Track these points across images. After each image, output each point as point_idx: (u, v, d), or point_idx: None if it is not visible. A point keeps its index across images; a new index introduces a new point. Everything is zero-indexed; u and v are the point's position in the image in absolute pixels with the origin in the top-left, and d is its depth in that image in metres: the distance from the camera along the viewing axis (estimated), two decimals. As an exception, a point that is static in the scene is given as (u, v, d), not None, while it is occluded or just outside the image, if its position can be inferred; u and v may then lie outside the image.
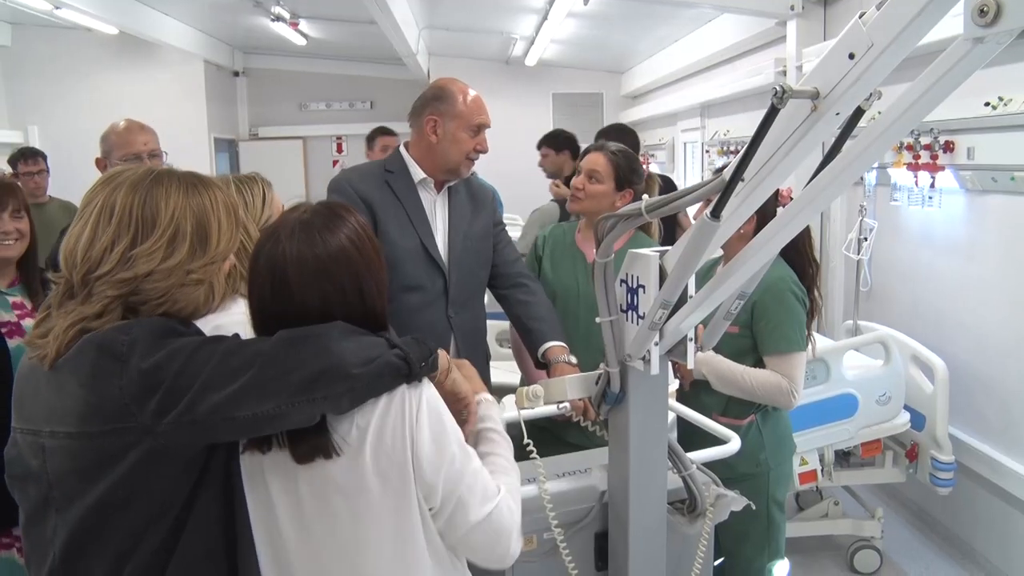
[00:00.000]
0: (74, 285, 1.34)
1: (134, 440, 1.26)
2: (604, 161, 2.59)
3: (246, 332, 1.41)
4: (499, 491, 1.40)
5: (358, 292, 1.37)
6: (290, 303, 1.34)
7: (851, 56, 1.20)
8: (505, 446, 1.53)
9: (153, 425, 1.24)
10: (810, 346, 2.51)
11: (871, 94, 1.28)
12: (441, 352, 1.47)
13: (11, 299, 2.21)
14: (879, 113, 1.26)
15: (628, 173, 2.60)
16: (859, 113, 1.33)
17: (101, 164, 2.83)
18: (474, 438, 1.52)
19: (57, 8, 6.42)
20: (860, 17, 1.18)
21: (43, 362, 1.30)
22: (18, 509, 1.41)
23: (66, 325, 1.30)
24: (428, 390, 1.37)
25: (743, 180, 1.40)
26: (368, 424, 1.31)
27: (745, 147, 1.34)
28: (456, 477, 1.35)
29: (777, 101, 1.25)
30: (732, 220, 1.47)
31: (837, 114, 1.28)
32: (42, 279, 2.27)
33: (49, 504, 1.33)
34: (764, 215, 1.88)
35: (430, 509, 1.36)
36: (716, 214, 1.41)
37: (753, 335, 2.41)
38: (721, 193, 1.39)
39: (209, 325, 1.51)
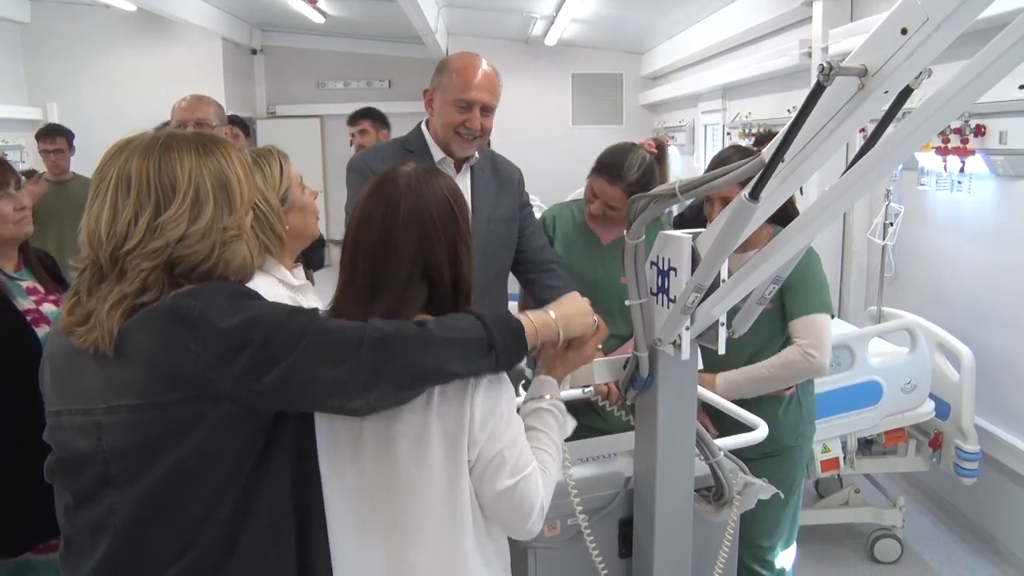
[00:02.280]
0: (103, 266, 1.31)
1: (208, 408, 1.25)
2: (620, 195, 2.46)
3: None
4: (529, 466, 1.42)
5: (453, 248, 1.46)
6: (392, 248, 1.42)
7: (903, 31, 1.15)
8: (556, 427, 1.56)
9: (235, 390, 1.24)
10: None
11: (921, 72, 1.22)
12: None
13: (23, 284, 2.12)
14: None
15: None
16: (907, 92, 1.28)
17: None
18: (528, 413, 1.55)
19: (75, -17, 6.40)
20: (915, -10, 1.12)
21: (96, 348, 1.26)
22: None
23: (109, 307, 1.27)
24: None
25: (783, 160, 1.35)
26: None
27: (787, 126, 1.29)
28: (497, 436, 1.40)
29: (824, 78, 1.20)
30: (769, 202, 1.42)
31: (886, 92, 1.23)
32: (43, 261, 2.21)
33: (107, 483, 1.30)
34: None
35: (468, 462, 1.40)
36: (755, 195, 1.36)
37: (783, 306, 2.41)
38: (761, 174, 1.34)
39: None
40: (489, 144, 4.68)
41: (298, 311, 1.32)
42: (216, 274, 1.34)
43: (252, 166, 1.71)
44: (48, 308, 2.10)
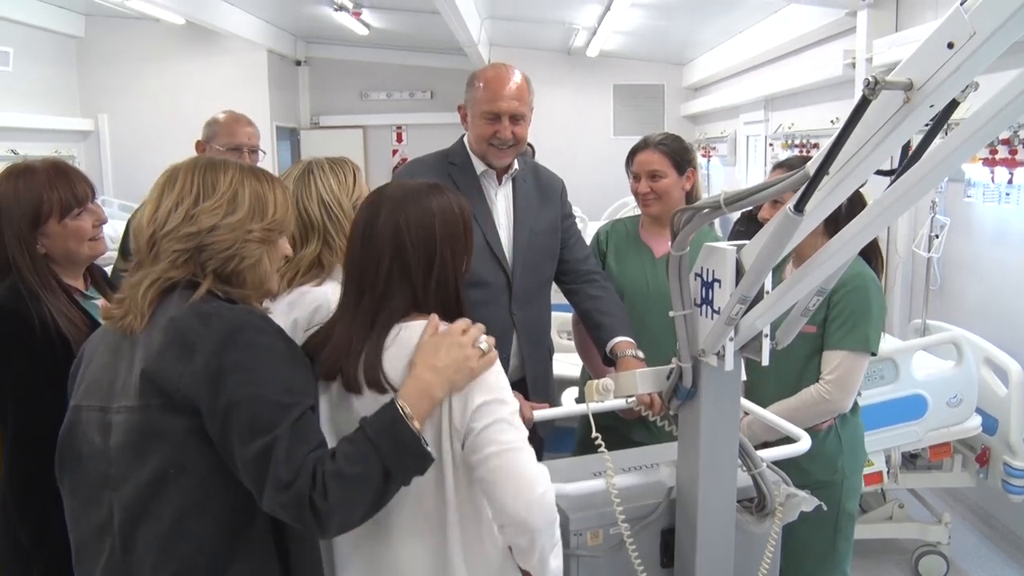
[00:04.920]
0: (142, 256, 1.41)
1: (181, 419, 1.32)
2: (658, 156, 2.54)
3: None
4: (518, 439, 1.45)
5: (430, 255, 1.50)
6: (369, 251, 1.49)
7: (950, 46, 1.16)
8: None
9: (203, 415, 1.31)
10: None
11: (968, 85, 1.23)
12: None
13: (97, 302, 2.01)
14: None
15: (682, 154, 2.56)
16: (953, 105, 1.28)
17: (201, 147, 2.88)
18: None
19: (127, -1, 6.58)
20: (962, 4, 1.13)
21: (131, 330, 1.37)
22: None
23: (143, 288, 1.37)
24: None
25: (828, 174, 1.36)
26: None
27: (832, 139, 1.30)
28: (479, 418, 1.43)
29: (869, 92, 1.21)
30: (814, 215, 1.43)
31: (931, 106, 1.24)
32: (103, 277, 2.15)
33: (107, 483, 1.37)
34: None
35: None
36: (800, 208, 1.37)
37: (823, 332, 2.31)
38: (806, 187, 1.36)
39: (281, 303, 1.66)
40: (533, 155, 4.69)
41: (292, 394, 1.34)
42: (232, 269, 1.42)
43: (328, 173, 1.85)
44: None
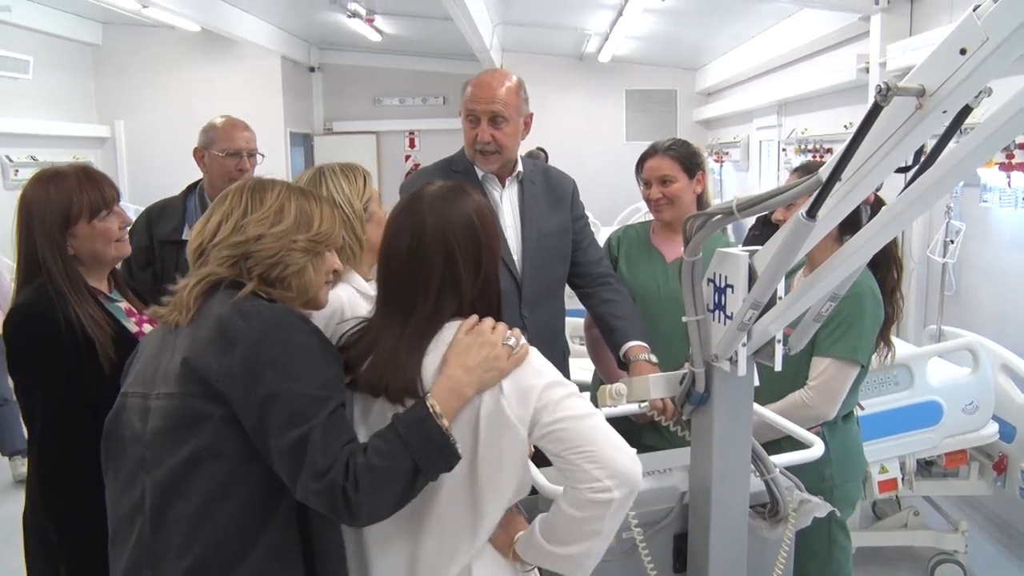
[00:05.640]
0: (192, 264, 1.50)
1: (216, 407, 1.37)
2: (667, 161, 2.55)
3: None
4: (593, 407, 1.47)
5: (477, 263, 1.51)
6: (419, 267, 1.48)
7: (962, 52, 1.16)
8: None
9: (236, 407, 1.36)
10: (889, 353, 2.43)
11: (980, 91, 1.23)
12: None
13: (121, 305, 2.06)
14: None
15: (691, 158, 2.57)
16: (966, 111, 1.28)
17: (199, 154, 2.89)
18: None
19: (144, 7, 6.63)
20: (974, 10, 1.13)
21: (176, 324, 1.44)
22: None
23: (191, 286, 1.45)
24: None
25: (840, 179, 1.36)
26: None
27: (845, 145, 1.31)
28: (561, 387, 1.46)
29: (881, 99, 1.22)
30: (827, 221, 1.43)
31: (944, 112, 1.24)
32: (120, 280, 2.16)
33: (142, 465, 1.42)
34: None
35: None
36: (812, 214, 1.38)
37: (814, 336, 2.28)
38: (818, 192, 1.36)
39: None
40: (546, 159, 4.70)
41: (326, 389, 1.38)
42: (276, 275, 1.47)
43: (339, 175, 1.89)
44: (149, 329, 2.02)
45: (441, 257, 1.48)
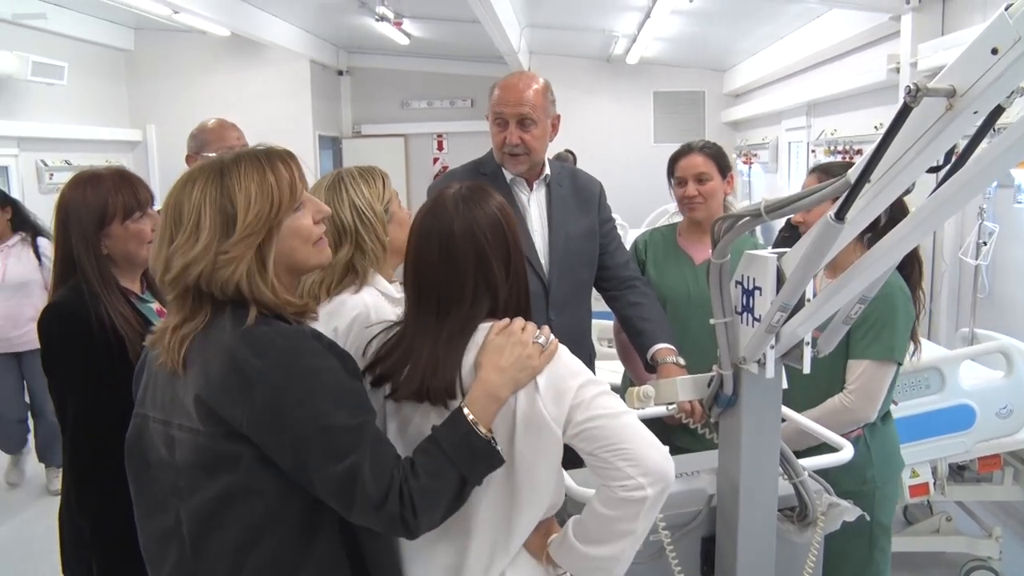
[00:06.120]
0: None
1: (245, 447, 1.32)
2: (702, 159, 2.57)
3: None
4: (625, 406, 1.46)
5: (507, 260, 1.51)
6: (452, 269, 1.48)
7: (994, 51, 1.15)
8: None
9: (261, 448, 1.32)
10: (916, 351, 2.40)
11: (1013, 91, 1.22)
12: None
13: (152, 306, 2.08)
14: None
15: (724, 158, 2.61)
16: (998, 111, 1.27)
17: (191, 161, 2.89)
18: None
19: (175, 12, 6.73)
20: (1006, 9, 1.12)
21: (172, 368, 1.37)
22: None
23: (168, 338, 1.38)
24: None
25: (869, 181, 1.35)
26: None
27: (874, 147, 1.30)
28: (594, 385, 1.45)
29: (911, 100, 1.20)
30: (855, 223, 1.43)
31: (975, 112, 1.23)
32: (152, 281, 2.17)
33: (174, 493, 1.40)
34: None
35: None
36: (841, 216, 1.37)
37: (847, 340, 2.23)
38: (847, 194, 1.35)
39: (320, 313, 1.63)
40: (574, 162, 4.70)
41: (357, 413, 1.34)
42: (236, 290, 1.35)
43: (359, 179, 1.88)
44: None
45: (472, 256, 1.48)
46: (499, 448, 1.39)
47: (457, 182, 1.60)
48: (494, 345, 1.44)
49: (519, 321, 1.49)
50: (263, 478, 1.33)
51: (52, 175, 7.59)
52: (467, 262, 1.48)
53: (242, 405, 1.29)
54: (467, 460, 1.36)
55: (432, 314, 1.49)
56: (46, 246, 4.54)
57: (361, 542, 1.46)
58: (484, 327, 1.49)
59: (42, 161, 7.57)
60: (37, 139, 7.47)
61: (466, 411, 1.38)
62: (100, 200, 1.96)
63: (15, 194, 7.32)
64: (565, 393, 1.42)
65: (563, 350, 1.50)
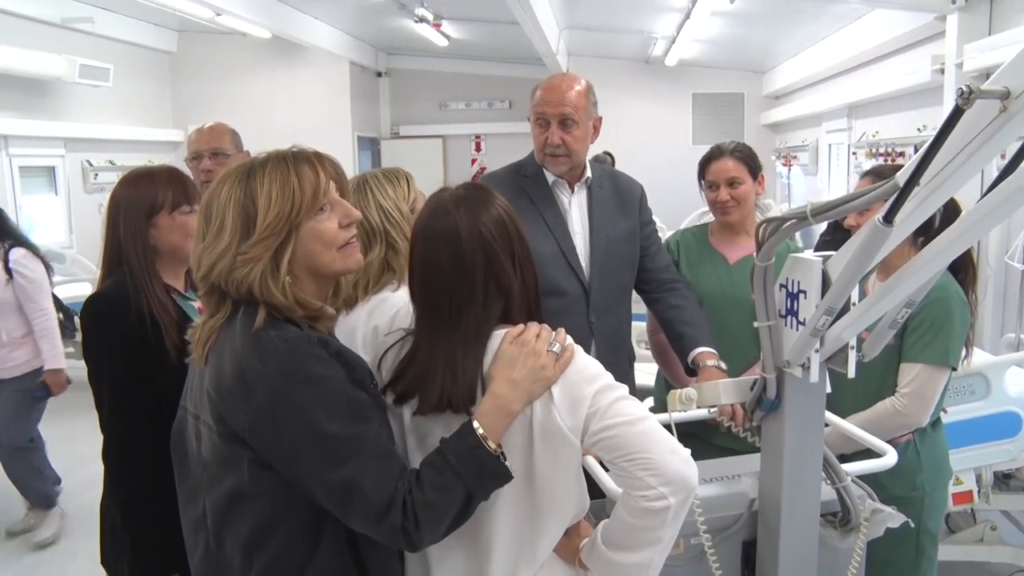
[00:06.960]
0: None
1: (248, 450, 1.35)
2: (733, 163, 2.55)
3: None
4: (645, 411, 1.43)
5: (514, 257, 1.49)
6: (463, 272, 1.45)
7: (1050, 53, 1.13)
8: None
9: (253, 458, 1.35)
10: (967, 357, 2.36)
11: (1069, 94, 1.20)
12: None
13: (195, 304, 2.07)
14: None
15: (754, 160, 2.60)
16: (1053, 114, 1.25)
17: (189, 165, 2.91)
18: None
19: (218, 15, 6.84)
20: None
21: (199, 365, 1.43)
22: None
23: (198, 333, 1.43)
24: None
25: (919, 184, 1.34)
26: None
27: (924, 149, 1.28)
28: (612, 390, 1.43)
29: (963, 102, 1.19)
30: (904, 226, 1.41)
31: (1030, 115, 1.21)
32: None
33: (201, 486, 1.45)
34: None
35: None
36: (889, 219, 1.35)
37: (901, 343, 2.24)
38: (896, 198, 1.34)
39: (360, 312, 1.69)
40: (613, 164, 4.68)
41: (358, 421, 1.33)
42: (248, 292, 1.36)
43: (383, 180, 1.90)
44: None
45: (482, 256, 1.46)
46: (508, 463, 1.37)
47: (450, 186, 1.56)
48: (507, 357, 1.42)
49: (533, 327, 1.46)
50: (264, 482, 1.35)
51: (97, 175, 7.75)
52: (476, 262, 1.45)
53: (244, 409, 1.31)
54: (474, 475, 1.34)
55: (445, 321, 1.47)
56: (22, 257, 3.86)
57: (368, 550, 1.45)
58: (499, 334, 1.47)
59: (87, 161, 7.73)
60: (83, 140, 7.64)
61: (476, 424, 1.36)
62: (150, 191, 2.01)
63: (61, 193, 7.51)
64: (581, 402, 1.40)
65: (579, 353, 1.47)
